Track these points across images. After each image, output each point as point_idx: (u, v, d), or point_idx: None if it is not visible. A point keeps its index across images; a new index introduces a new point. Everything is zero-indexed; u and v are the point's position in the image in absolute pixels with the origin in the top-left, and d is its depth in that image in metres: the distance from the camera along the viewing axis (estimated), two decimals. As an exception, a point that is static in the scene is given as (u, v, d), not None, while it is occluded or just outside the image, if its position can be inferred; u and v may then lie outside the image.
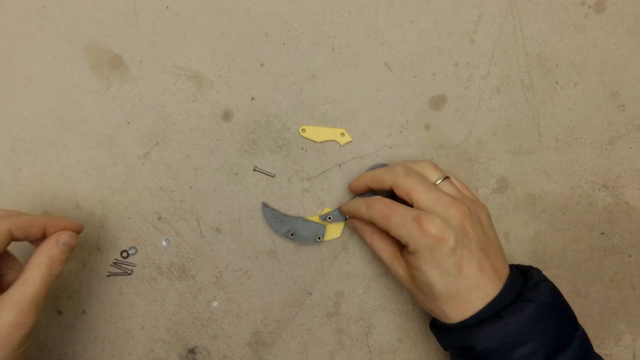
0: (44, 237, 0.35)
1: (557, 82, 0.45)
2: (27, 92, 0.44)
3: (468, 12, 0.45)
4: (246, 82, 0.44)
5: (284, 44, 0.44)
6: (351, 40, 0.44)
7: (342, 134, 0.44)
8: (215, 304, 0.44)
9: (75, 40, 0.44)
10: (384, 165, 0.43)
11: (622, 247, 0.45)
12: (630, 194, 0.45)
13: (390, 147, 0.44)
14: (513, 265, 0.38)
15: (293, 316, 0.44)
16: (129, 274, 0.43)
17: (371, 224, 0.39)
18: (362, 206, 0.38)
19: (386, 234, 0.38)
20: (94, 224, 0.43)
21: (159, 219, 0.44)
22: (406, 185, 0.36)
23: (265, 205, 0.43)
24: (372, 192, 0.42)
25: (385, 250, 0.39)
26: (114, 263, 0.43)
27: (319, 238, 0.43)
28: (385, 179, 0.38)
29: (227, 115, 0.44)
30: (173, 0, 0.44)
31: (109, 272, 0.43)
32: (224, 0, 0.44)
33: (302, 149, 0.44)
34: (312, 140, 0.44)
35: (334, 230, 0.44)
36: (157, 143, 0.44)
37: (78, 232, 0.37)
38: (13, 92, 0.44)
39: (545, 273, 0.44)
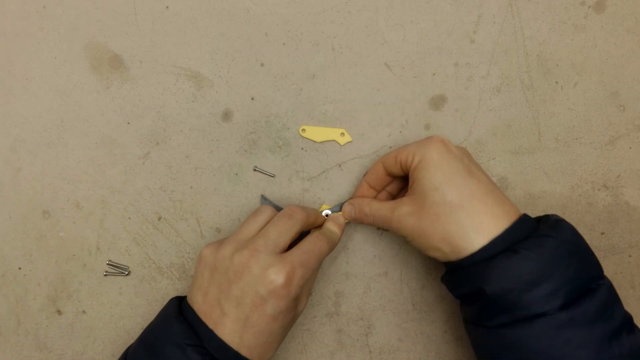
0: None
1: (557, 82, 0.45)
2: (27, 92, 0.44)
3: (468, 12, 0.45)
4: (246, 82, 0.44)
5: (284, 44, 0.44)
6: (351, 40, 0.44)
7: (342, 134, 0.44)
8: (215, 304, 0.44)
9: (75, 40, 0.44)
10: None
11: (622, 247, 0.45)
12: (630, 194, 0.45)
13: (390, 147, 0.44)
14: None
15: (293, 316, 0.44)
16: (126, 274, 0.43)
17: (368, 193, 0.41)
18: (375, 163, 0.40)
19: (382, 197, 0.41)
20: (94, 224, 0.43)
21: (159, 219, 0.44)
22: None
23: (264, 198, 0.43)
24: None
25: (385, 204, 0.37)
26: (109, 263, 0.43)
27: None
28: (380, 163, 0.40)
29: (227, 115, 0.44)
30: (173, 0, 0.44)
31: (106, 272, 0.43)
32: (224, 0, 0.44)
33: (302, 149, 0.44)
34: (312, 140, 0.44)
35: None
36: (157, 143, 0.44)
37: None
38: (13, 92, 0.44)
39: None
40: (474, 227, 0.32)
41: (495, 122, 0.45)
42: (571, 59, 0.45)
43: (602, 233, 0.45)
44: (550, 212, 0.44)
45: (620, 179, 0.45)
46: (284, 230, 0.36)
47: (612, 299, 0.32)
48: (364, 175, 0.42)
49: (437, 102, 0.45)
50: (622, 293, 0.44)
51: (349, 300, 0.44)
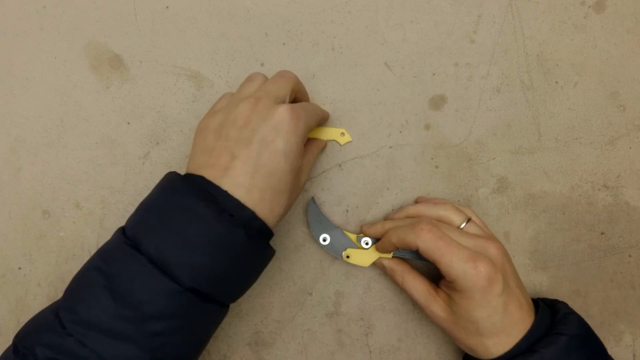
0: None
1: (557, 82, 0.45)
2: (27, 92, 0.44)
3: (468, 12, 0.45)
4: (246, 82, 0.44)
5: (284, 44, 0.44)
6: (351, 40, 0.44)
7: (342, 134, 0.44)
8: (215, 304, 0.44)
9: (75, 40, 0.44)
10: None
11: (622, 247, 0.45)
12: (630, 194, 0.45)
13: (390, 147, 0.44)
14: (539, 299, 0.39)
15: (293, 316, 0.44)
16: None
17: (402, 262, 0.41)
18: (407, 232, 0.36)
19: (418, 272, 0.40)
20: (94, 224, 0.43)
21: (159, 219, 0.44)
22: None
23: (313, 201, 0.43)
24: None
25: (419, 289, 0.39)
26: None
27: (348, 257, 0.42)
28: (410, 239, 0.36)
29: (227, 115, 0.44)
30: (173, 0, 0.44)
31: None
32: (224, 0, 0.44)
33: (302, 149, 0.44)
34: (312, 140, 0.44)
35: (364, 258, 0.42)
36: (157, 143, 0.44)
37: None
38: (13, 92, 0.44)
39: (545, 273, 0.44)
40: (499, 348, 0.35)
41: (495, 122, 0.45)
42: (571, 59, 0.45)
43: (602, 233, 0.45)
44: (550, 211, 0.44)
45: (620, 179, 0.45)
46: (281, 84, 0.36)
47: None
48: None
49: (437, 102, 0.45)
50: (622, 293, 0.44)
51: (349, 300, 0.44)
